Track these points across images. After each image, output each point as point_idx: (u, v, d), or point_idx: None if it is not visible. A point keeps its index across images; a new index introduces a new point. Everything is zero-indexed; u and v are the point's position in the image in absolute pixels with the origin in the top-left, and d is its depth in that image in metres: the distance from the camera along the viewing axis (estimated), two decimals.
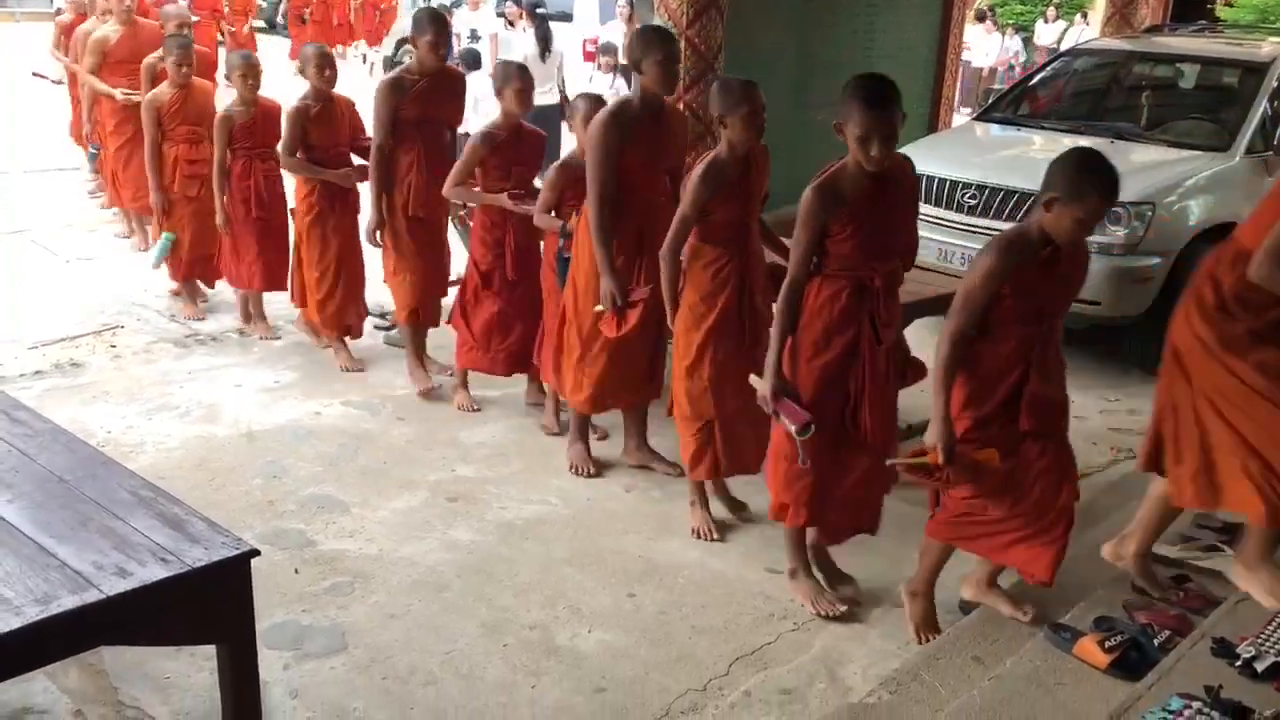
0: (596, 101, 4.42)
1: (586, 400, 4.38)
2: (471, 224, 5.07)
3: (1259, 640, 2.82)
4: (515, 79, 4.72)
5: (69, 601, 2.10)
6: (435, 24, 4.94)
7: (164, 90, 5.94)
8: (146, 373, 5.32)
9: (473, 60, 9.96)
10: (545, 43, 9.15)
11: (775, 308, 3.43)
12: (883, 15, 7.80)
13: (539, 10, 9.57)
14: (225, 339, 5.83)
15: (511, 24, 9.67)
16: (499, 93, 4.77)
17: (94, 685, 3.01)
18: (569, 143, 8.31)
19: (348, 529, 3.98)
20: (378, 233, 5.10)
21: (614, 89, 10.04)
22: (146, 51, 6.64)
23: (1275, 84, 6.25)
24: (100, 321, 5.97)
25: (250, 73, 5.56)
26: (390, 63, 15.30)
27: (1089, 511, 4.20)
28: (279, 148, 5.39)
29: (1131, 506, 4.08)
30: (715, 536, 4.01)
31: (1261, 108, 6.13)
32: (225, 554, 2.33)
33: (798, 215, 3.28)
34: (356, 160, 5.40)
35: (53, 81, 8.70)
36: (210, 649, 2.67)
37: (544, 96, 8.87)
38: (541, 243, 4.78)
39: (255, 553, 2.40)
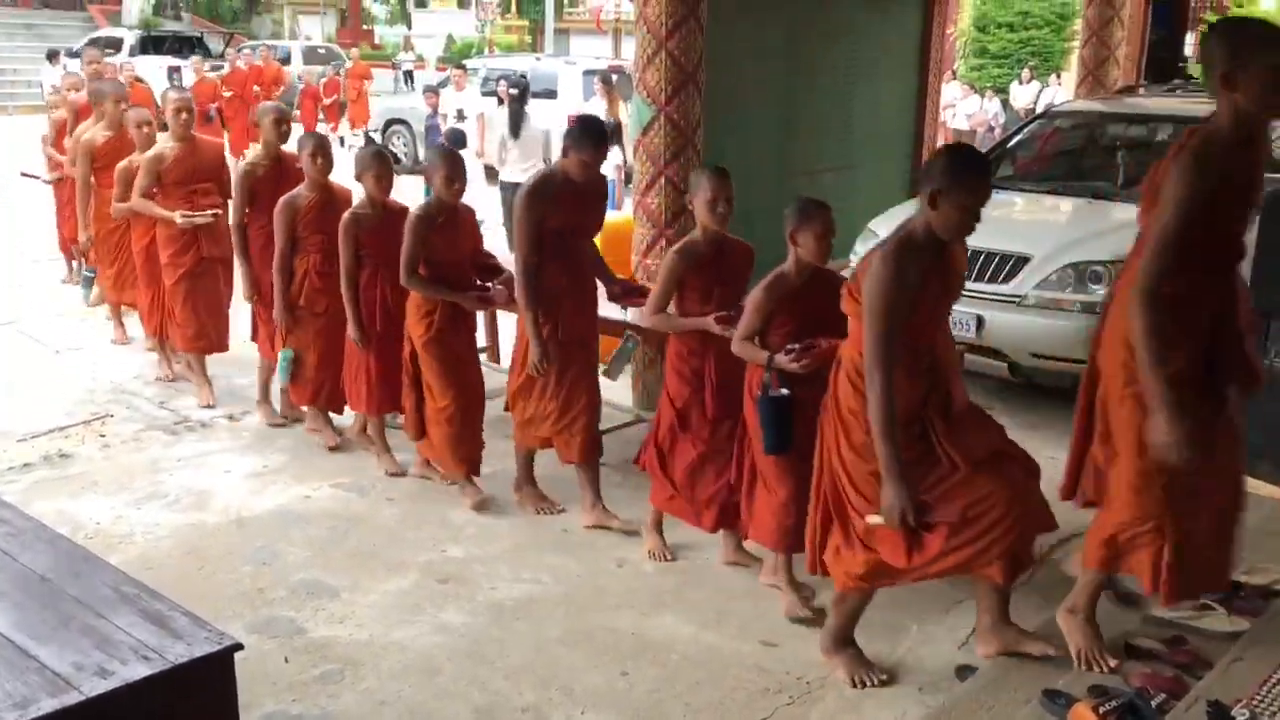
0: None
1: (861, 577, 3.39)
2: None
3: (1254, 703, 2.80)
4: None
5: (48, 705, 2.08)
6: (595, 136, 4.36)
7: (301, 194, 5.22)
8: (136, 461, 5.31)
9: (458, 140, 10.12)
10: (516, 123, 9.31)
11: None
12: (861, 83, 7.96)
13: (514, 90, 9.72)
14: (215, 424, 5.83)
15: (502, 101, 9.84)
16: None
17: None
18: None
19: (338, 614, 3.95)
20: (541, 363, 4.46)
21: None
22: (208, 171, 6.05)
23: None
24: (90, 410, 5.97)
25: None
26: (368, 139, 15.48)
27: None
28: (402, 263, 4.68)
29: None
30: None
31: None
32: (208, 649, 2.31)
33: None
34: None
35: (44, 181, 8.80)
36: None
37: (526, 174, 9.00)
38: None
39: (239, 647, 2.38)
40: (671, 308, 4.10)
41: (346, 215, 5.00)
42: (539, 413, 4.59)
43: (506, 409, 4.78)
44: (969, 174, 3.04)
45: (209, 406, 6.04)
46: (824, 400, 3.34)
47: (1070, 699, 3.00)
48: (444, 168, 4.70)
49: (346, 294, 5.00)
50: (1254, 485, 3.90)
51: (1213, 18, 17.63)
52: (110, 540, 4.43)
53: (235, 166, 6.21)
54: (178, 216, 5.82)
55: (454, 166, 4.72)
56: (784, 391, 3.66)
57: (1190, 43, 21.74)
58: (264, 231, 5.43)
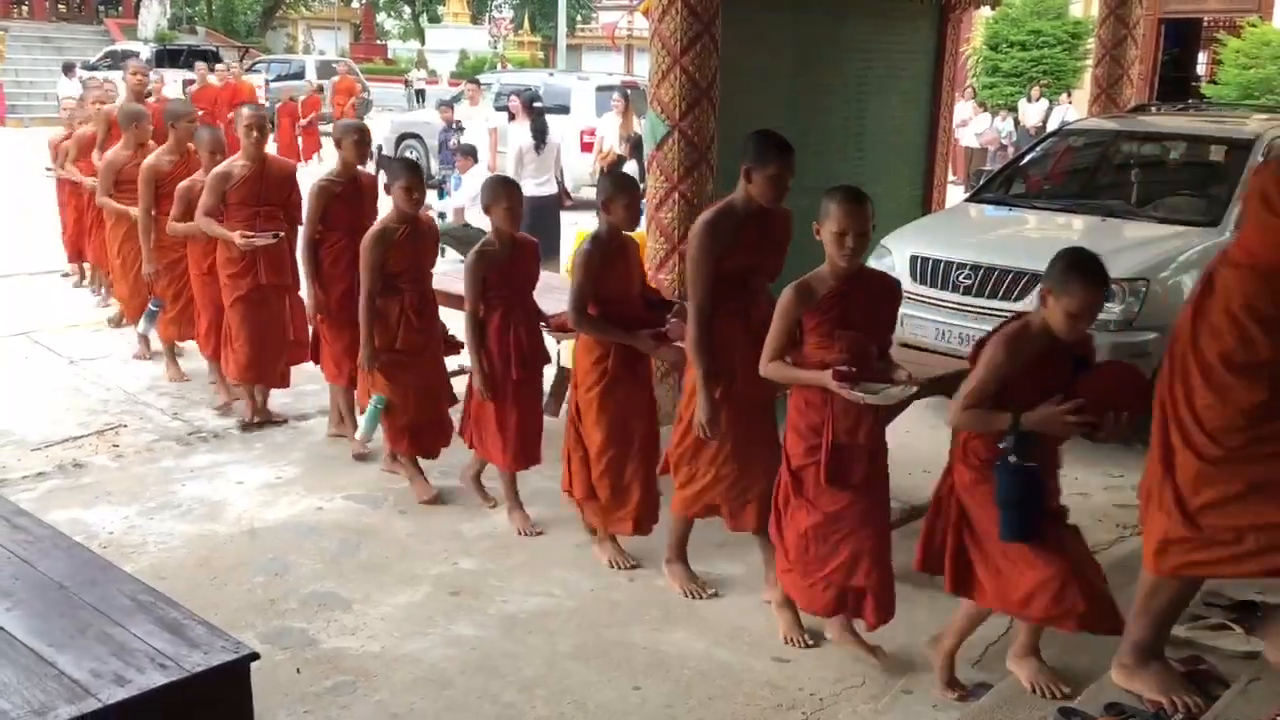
0: None
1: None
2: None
3: None
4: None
5: (66, 712, 2.08)
6: (781, 151, 3.79)
7: (391, 227, 4.81)
8: (149, 471, 5.32)
9: (471, 154, 10.16)
10: (540, 135, 9.33)
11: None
12: (874, 101, 7.96)
13: (536, 104, 9.77)
14: (227, 435, 5.85)
15: (513, 117, 9.88)
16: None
17: None
18: (568, 235, 8.47)
19: (350, 626, 3.95)
20: (708, 426, 3.87)
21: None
22: (277, 192, 5.74)
23: (1261, 159, 6.35)
24: (103, 421, 6.00)
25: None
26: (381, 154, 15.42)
27: None
28: (570, 304, 4.20)
29: None
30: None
31: (1249, 183, 6.21)
32: (225, 658, 2.31)
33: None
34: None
35: (47, 170, 8.93)
36: None
37: (541, 188, 9.04)
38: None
39: (255, 656, 2.38)
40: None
41: (473, 253, 4.56)
42: (708, 478, 3.99)
43: (663, 472, 4.26)
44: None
45: (225, 409, 6.09)
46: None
47: (1086, 717, 2.98)
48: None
49: (472, 340, 4.55)
50: None
51: (1225, 37, 17.64)
52: (123, 550, 4.43)
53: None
54: (237, 237, 5.52)
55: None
56: (1029, 463, 3.11)
57: (1202, 61, 21.80)
58: (334, 250, 5.31)
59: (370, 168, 5.28)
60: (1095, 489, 5.30)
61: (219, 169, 5.63)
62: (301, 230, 5.44)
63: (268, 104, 18.08)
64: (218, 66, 18.17)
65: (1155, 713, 2.98)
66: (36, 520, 2.98)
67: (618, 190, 4.25)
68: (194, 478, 5.26)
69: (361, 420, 5.08)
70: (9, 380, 6.66)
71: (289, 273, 5.81)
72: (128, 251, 6.74)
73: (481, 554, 4.54)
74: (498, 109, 14.32)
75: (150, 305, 6.50)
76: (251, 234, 5.55)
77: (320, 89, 20.61)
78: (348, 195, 5.35)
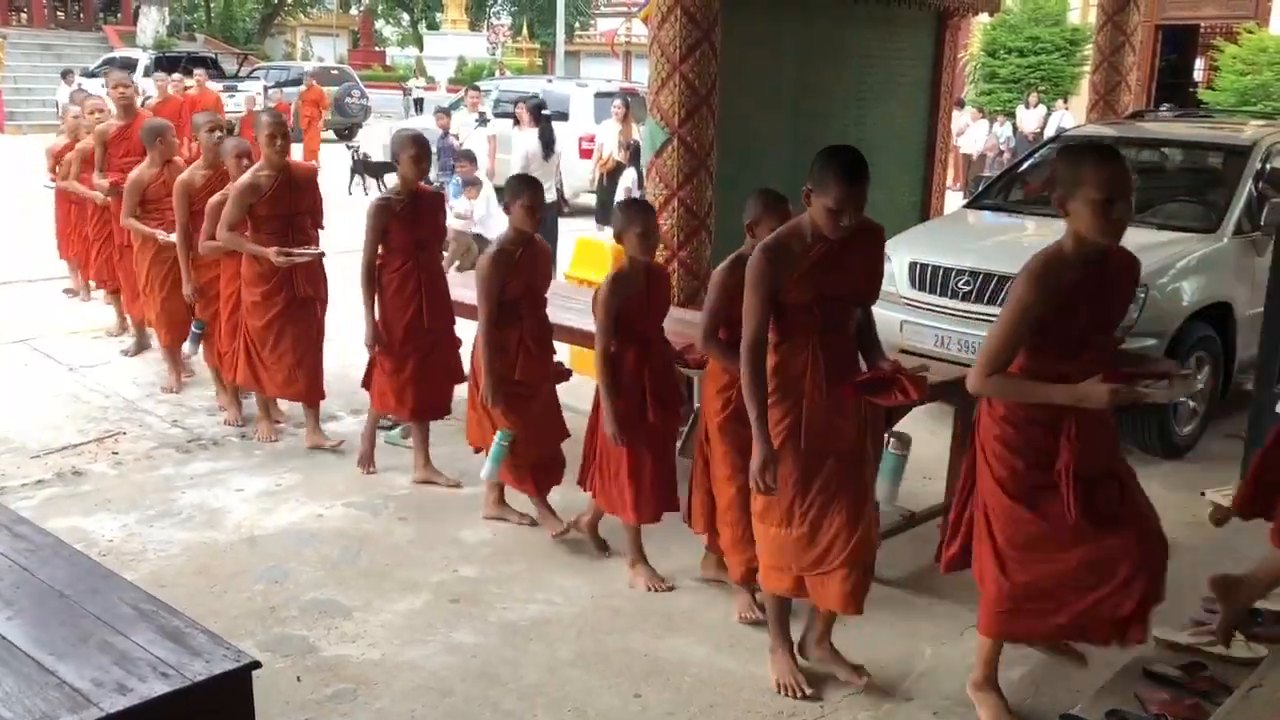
0: None
1: None
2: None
3: None
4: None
5: None
6: (843, 160, 3.24)
7: (508, 249, 4.47)
8: (148, 479, 5.32)
9: (471, 161, 10.16)
10: (549, 143, 9.36)
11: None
12: (873, 107, 7.98)
13: (543, 112, 9.78)
14: (226, 443, 5.84)
15: (519, 123, 9.90)
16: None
17: None
18: (566, 243, 8.47)
19: (350, 634, 3.94)
20: (764, 478, 3.34)
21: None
22: (303, 199, 5.50)
23: (1259, 165, 6.37)
24: (103, 428, 5.99)
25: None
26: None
27: None
28: (703, 325, 3.78)
29: None
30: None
31: (1247, 189, 6.24)
32: (227, 666, 2.31)
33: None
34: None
35: (46, 186, 8.88)
36: None
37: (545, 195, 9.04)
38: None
39: (256, 664, 2.37)
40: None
41: (603, 290, 4.09)
42: (782, 543, 3.46)
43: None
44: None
45: (238, 424, 6.04)
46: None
47: None
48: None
49: (604, 379, 4.10)
50: None
51: (1222, 43, 17.69)
52: (122, 558, 4.43)
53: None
54: (274, 254, 5.30)
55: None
56: None
57: (1200, 68, 21.84)
58: (398, 274, 5.01)
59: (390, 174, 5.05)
60: None
61: (244, 181, 5.36)
62: (361, 255, 5.06)
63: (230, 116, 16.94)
64: (173, 76, 17.06)
65: (1156, 717, 2.98)
66: (37, 528, 2.97)
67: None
68: (193, 485, 5.25)
69: (486, 461, 4.62)
70: (8, 387, 6.66)
71: (323, 284, 5.64)
72: (156, 275, 6.36)
73: (482, 561, 4.54)
74: (497, 115, 14.37)
75: (193, 328, 6.11)
76: (290, 250, 5.35)
77: (305, 97, 19.55)
78: (408, 214, 5.01)
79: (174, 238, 5.91)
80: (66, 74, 21.90)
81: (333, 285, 5.79)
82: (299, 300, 5.53)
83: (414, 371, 5.12)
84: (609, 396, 4.09)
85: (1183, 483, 5.36)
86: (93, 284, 8.44)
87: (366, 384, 5.35)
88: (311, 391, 5.71)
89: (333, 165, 16.95)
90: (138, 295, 6.79)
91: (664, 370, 4.25)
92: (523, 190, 4.39)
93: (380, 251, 5.04)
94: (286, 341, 5.55)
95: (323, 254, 5.56)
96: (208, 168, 5.94)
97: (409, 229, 5.01)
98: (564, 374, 4.87)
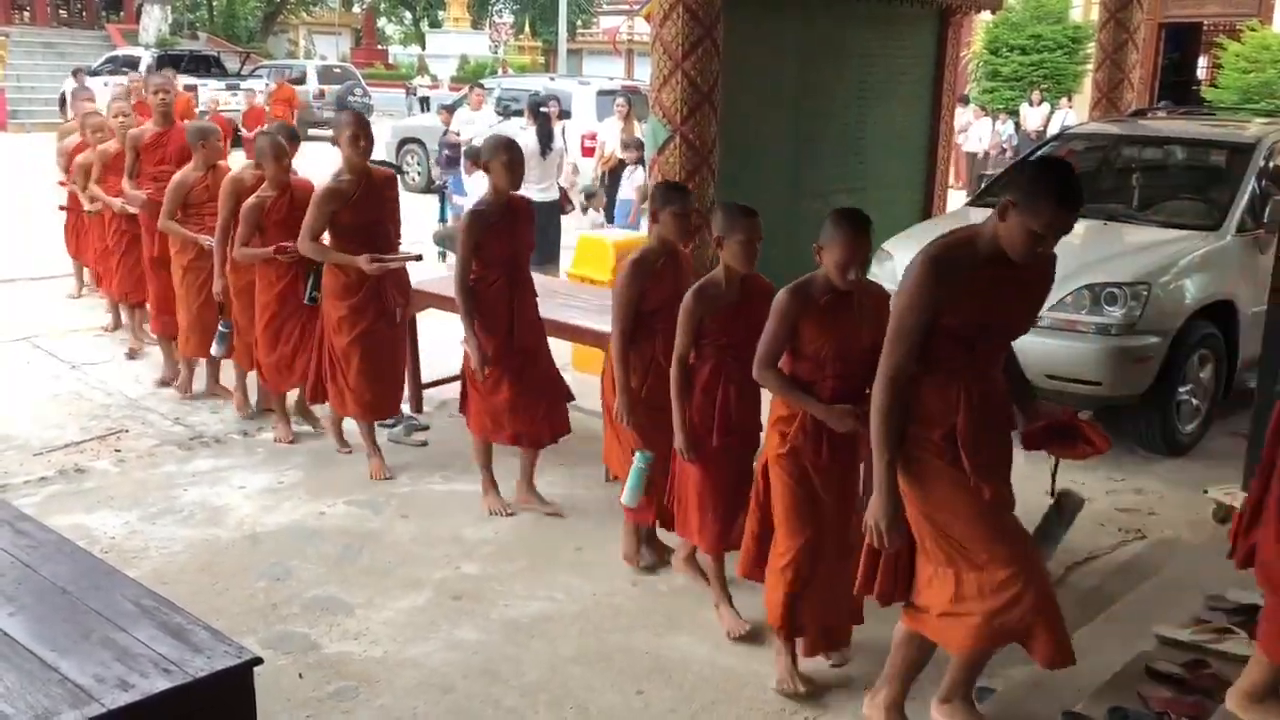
0: None
1: None
2: None
3: None
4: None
5: (70, 717, 2.08)
6: (1069, 187, 2.91)
7: (652, 254, 4.13)
8: (150, 476, 5.32)
9: (475, 157, 10.18)
10: (546, 140, 9.34)
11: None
12: (875, 105, 7.99)
13: (542, 109, 9.77)
14: (229, 440, 5.84)
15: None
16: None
17: None
18: (569, 237, 8.47)
19: (352, 631, 3.94)
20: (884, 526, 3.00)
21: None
22: (388, 208, 5.26)
23: (1262, 163, 6.36)
24: (105, 426, 5.99)
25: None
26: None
27: (1098, 595, 4.18)
28: (760, 352, 3.48)
29: (1144, 589, 4.07)
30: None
31: (1250, 186, 6.23)
32: (228, 663, 2.32)
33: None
34: None
35: (60, 207, 8.77)
36: None
37: (545, 193, 9.04)
38: None
39: (258, 661, 2.38)
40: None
41: (688, 297, 3.79)
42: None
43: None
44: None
45: (248, 418, 6.09)
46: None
47: None
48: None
49: (679, 398, 3.81)
50: None
51: (1225, 41, 17.66)
52: (125, 555, 4.43)
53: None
54: (365, 261, 4.99)
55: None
56: None
57: (1202, 65, 21.80)
58: (494, 289, 4.68)
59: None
60: (1098, 493, 5.29)
61: (326, 187, 5.11)
62: (455, 270, 4.78)
63: (201, 114, 16.67)
64: (131, 74, 16.46)
65: (1158, 715, 2.98)
66: (39, 525, 2.98)
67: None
68: (196, 482, 5.26)
69: (626, 485, 4.21)
70: (11, 385, 6.66)
71: (410, 292, 5.46)
72: (192, 281, 6.17)
73: (484, 559, 4.54)
74: (499, 113, 14.38)
75: (220, 327, 6.01)
76: (381, 256, 5.06)
77: (275, 96, 18.87)
78: (502, 225, 4.68)
79: (214, 241, 5.74)
80: (77, 72, 21.90)
81: None
82: (389, 313, 5.27)
83: (513, 395, 4.76)
84: (680, 407, 3.81)
85: (1185, 480, 5.36)
86: (91, 284, 8.42)
87: (463, 408, 4.99)
88: (393, 407, 5.54)
89: (332, 166, 16.92)
90: (163, 310, 6.57)
91: (744, 393, 3.82)
92: (673, 198, 4.09)
93: (476, 267, 4.68)
94: (374, 360, 5.25)
95: (419, 257, 5.30)
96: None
97: (505, 241, 4.69)
98: None
